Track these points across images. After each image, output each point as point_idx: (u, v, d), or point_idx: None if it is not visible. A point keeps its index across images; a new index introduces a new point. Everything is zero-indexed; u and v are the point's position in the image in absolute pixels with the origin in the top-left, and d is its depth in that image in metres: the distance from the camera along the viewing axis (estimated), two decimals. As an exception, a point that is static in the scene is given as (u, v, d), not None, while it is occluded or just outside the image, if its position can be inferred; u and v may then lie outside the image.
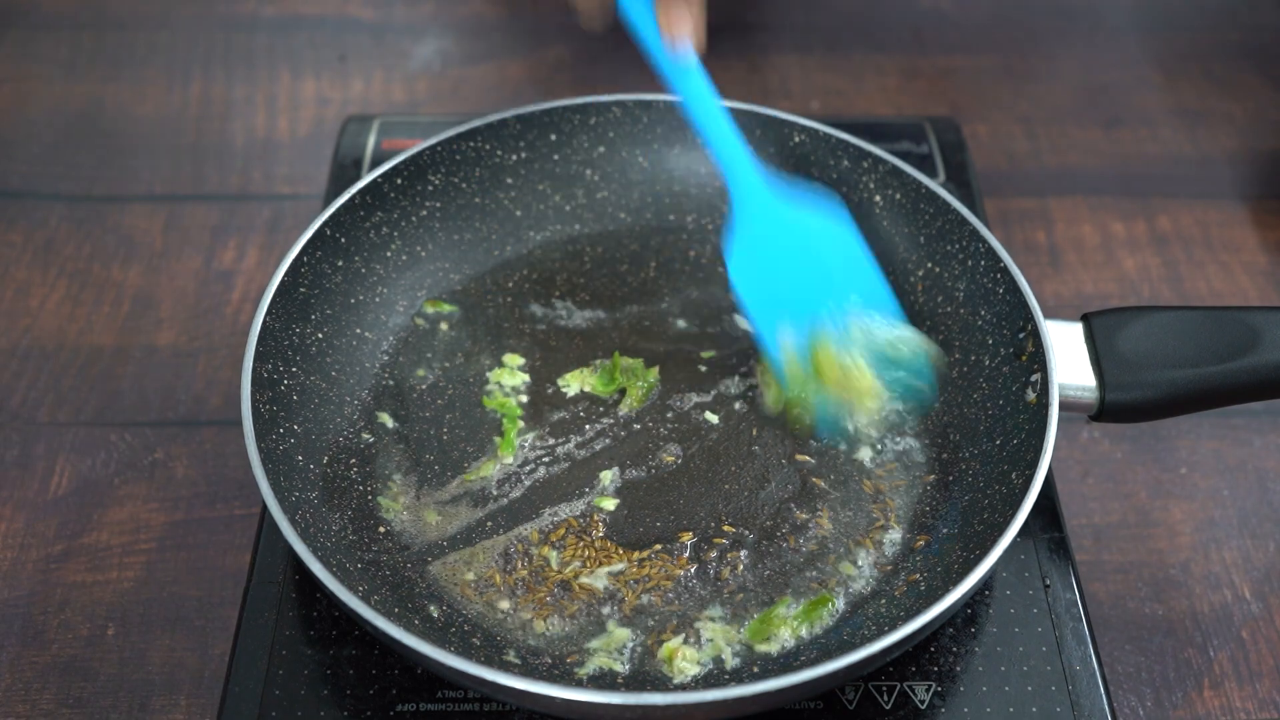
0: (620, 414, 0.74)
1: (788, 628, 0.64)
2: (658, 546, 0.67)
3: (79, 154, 0.98)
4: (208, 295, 0.88)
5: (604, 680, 0.62)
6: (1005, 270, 0.72)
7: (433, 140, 0.79)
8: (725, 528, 0.68)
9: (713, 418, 0.74)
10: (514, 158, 0.82)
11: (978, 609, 0.66)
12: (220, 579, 0.72)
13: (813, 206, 0.73)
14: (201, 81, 1.05)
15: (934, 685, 0.63)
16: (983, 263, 0.74)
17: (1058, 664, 0.64)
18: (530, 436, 0.73)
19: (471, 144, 0.80)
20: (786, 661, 0.63)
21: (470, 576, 0.66)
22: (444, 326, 0.78)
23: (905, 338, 0.71)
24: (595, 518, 0.69)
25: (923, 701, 0.63)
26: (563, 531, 0.68)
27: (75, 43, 1.08)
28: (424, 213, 0.79)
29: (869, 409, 0.72)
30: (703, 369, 0.76)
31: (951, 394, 0.74)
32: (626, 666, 0.63)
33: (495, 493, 0.70)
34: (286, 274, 0.71)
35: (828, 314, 0.71)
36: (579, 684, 0.61)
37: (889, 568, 0.67)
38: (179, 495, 0.76)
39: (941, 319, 0.76)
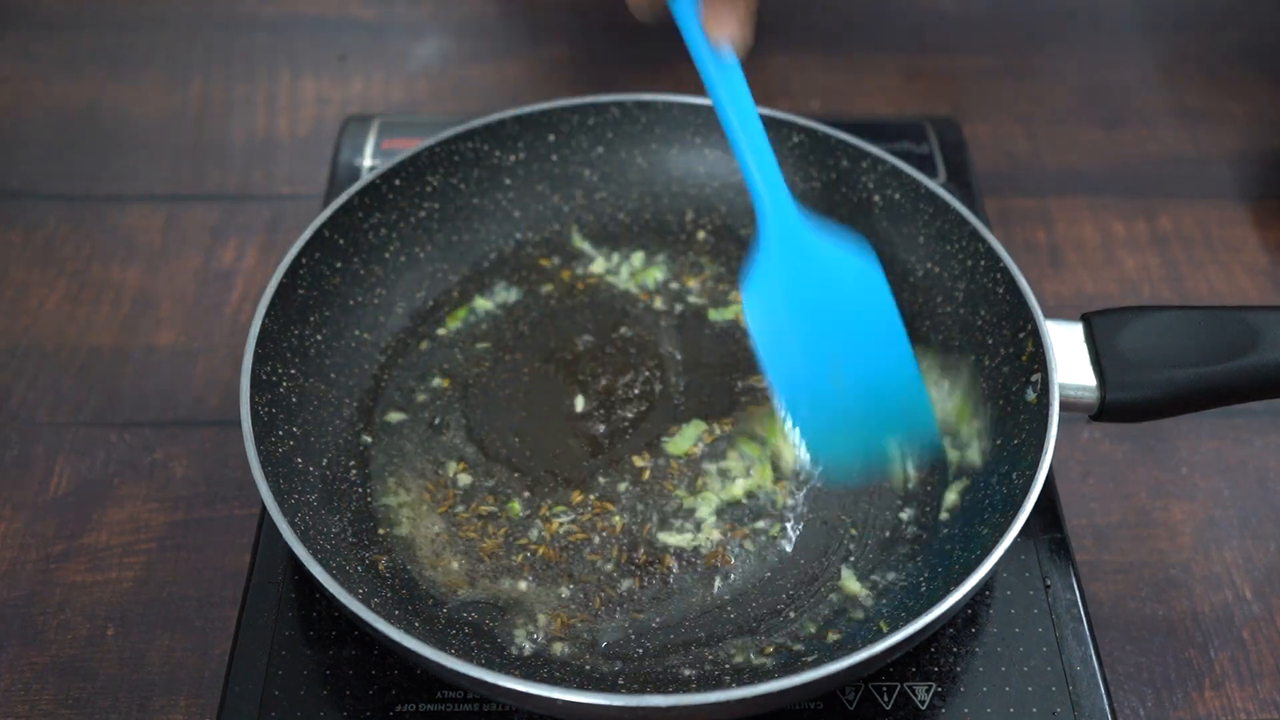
0: (618, 413, 0.74)
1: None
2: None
3: (78, 154, 0.98)
4: (207, 295, 0.88)
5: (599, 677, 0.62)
6: (1005, 270, 0.72)
7: (430, 141, 0.79)
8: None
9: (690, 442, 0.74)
10: (512, 158, 0.82)
11: (978, 609, 0.66)
12: (220, 579, 0.72)
13: (843, 244, 0.67)
14: (201, 81, 1.05)
15: (934, 686, 0.63)
16: (983, 263, 0.74)
17: (1058, 664, 0.64)
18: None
19: (470, 145, 0.80)
20: (788, 662, 0.63)
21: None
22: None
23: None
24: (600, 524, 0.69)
25: (923, 702, 0.63)
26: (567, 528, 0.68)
27: (75, 43, 1.08)
28: (422, 214, 0.79)
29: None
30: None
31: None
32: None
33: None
34: (285, 276, 0.71)
35: (846, 360, 0.65)
36: (579, 684, 0.61)
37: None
38: (178, 495, 0.76)
39: (941, 319, 0.76)
